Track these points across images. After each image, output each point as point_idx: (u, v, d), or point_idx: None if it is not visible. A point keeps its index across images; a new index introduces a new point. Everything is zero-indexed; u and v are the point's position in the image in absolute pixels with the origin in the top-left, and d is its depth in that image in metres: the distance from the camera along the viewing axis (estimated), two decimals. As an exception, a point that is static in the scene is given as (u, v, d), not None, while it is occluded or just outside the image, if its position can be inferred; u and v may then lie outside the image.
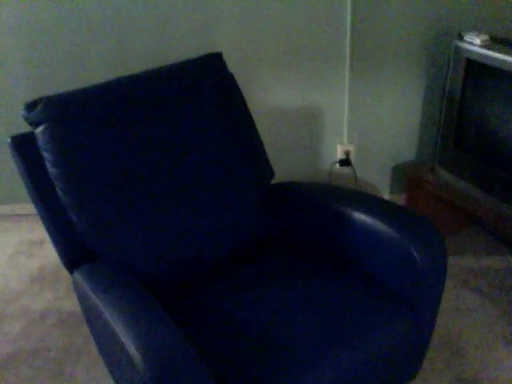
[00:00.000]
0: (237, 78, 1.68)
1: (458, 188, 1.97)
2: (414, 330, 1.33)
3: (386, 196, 2.45)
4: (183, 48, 2.17)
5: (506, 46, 1.70)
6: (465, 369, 1.65)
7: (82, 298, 1.37)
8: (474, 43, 1.76)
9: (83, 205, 1.39)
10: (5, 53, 2.23)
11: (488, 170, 1.85)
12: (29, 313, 1.99)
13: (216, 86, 1.60)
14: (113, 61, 2.20)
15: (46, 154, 1.40)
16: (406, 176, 2.24)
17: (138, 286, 1.26)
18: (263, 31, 2.15)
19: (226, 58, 1.64)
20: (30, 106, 1.40)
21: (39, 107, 1.39)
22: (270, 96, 2.26)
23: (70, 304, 2.00)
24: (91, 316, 1.36)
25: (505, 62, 1.65)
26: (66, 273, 1.44)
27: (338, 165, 2.36)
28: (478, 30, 1.83)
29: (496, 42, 1.75)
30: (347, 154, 2.33)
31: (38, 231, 2.39)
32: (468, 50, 1.78)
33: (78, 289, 1.38)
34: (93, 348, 1.78)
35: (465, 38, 1.81)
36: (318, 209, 1.54)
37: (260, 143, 1.70)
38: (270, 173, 1.71)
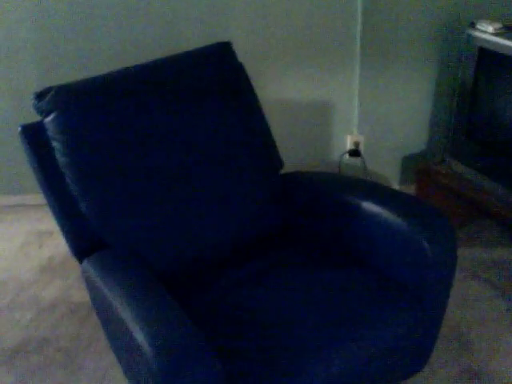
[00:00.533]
0: (246, 68, 1.67)
1: (469, 179, 1.94)
2: (423, 322, 1.32)
3: (396, 187, 2.44)
4: (192, 38, 2.16)
5: (520, 34, 1.68)
6: (473, 360, 1.64)
7: (92, 287, 1.38)
8: (487, 31, 1.74)
9: (92, 194, 1.40)
10: (16, 43, 2.23)
11: (500, 160, 1.82)
12: (39, 302, 2.00)
13: (225, 74, 1.59)
14: (122, 51, 2.20)
15: (55, 144, 1.40)
16: (415, 167, 2.22)
17: (147, 274, 1.26)
18: (273, 21, 2.13)
19: (235, 47, 1.63)
20: (40, 96, 1.40)
21: (49, 96, 1.39)
22: (279, 86, 2.25)
23: (80, 294, 2.01)
24: (100, 305, 1.37)
25: (518, 50, 1.63)
26: (75, 263, 1.45)
27: (347, 155, 2.35)
28: (490, 18, 1.80)
29: (509, 30, 1.71)
30: (357, 144, 2.31)
31: (48, 221, 2.40)
32: (481, 39, 1.76)
33: (87, 278, 1.38)
34: (102, 337, 1.79)
35: (477, 27, 1.78)
36: (326, 199, 1.53)
37: (269, 133, 1.69)
38: (280, 163, 1.70)
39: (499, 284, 1.93)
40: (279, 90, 2.25)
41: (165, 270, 1.42)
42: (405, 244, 1.31)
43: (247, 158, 1.57)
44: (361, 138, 2.31)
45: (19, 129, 1.41)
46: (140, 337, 1.03)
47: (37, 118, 1.42)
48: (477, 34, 1.77)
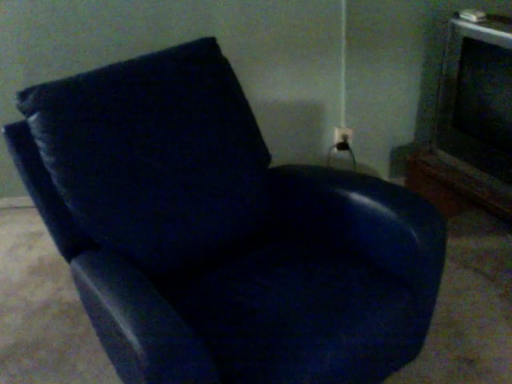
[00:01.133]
0: (232, 63, 1.66)
1: (458, 169, 1.95)
2: (415, 310, 1.33)
3: (385, 179, 2.44)
4: (177, 34, 2.15)
5: (503, 23, 1.68)
6: (466, 349, 1.65)
7: (81, 287, 1.37)
8: (471, 21, 1.74)
9: (79, 193, 1.38)
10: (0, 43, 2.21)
11: (488, 149, 1.83)
12: (29, 304, 1.98)
13: (210, 70, 1.58)
14: (107, 48, 2.18)
15: (39, 143, 1.38)
16: (404, 158, 2.23)
17: (136, 272, 1.26)
18: (258, 17, 2.12)
19: (222, 44, 1.62)
20: (23, 95, 1.39)
21: (32, 96, 1.38)
22: (265, 81, 2.24)
23: (71, 295, 2.00)
24: (90, 304, 1.36)
25: (502, 38, 1.63)
26: (66, 264, 1.44)
27: (335, 149, 2.35)
28: (474, 8, 1.81)
29: (493, 20, 1.72)
30: (345, 137, 2.31)
31: (37, 223, 2.38)
32: (465, 28, 1.76)
33: (76, 277, 1.37)
34: (94, 338, 1.78)
35: (461, 16, 1.78)
36: (315, 191, 1.53)
37: (256, 127, 1.69)
38: (267, 157, 1.70)
39: (490, 273, 1.94)
40: (265, 84, 2.25)
41: (154, 267, 1.41)
42: (394, 234, 1.31)
43: (234, 153, 1.56)
44: (349, 131, 2.31)
45: (2, 129, 1.39)
46: (130, 334, 1.02)
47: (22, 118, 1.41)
48: (460, 23, 1.78)
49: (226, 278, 1.43)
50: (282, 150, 2.28)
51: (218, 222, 1.51)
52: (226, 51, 1.65)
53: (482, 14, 1.72)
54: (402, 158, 2.32)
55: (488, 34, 1.67)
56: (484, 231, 2.16)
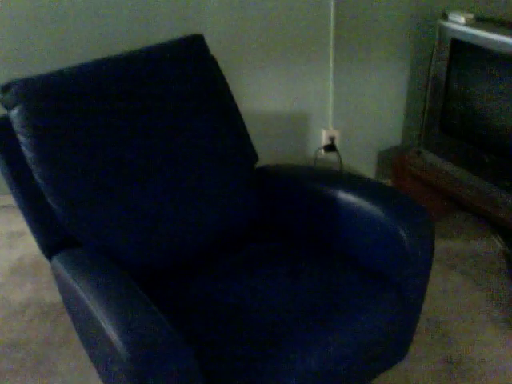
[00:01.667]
0: (219, 63, 1.64)
1: (445, 171, 1.95)
2: (402, 310, 1.31)
3: (372, 182, 2.43)
4: (164, 31, 2.12)
5: (492, 25, 1.68)
6: (453, 350, 1.64)
7: (61, 285, 1.33)
8: (459, 22, 1.74)
9: (61, 190, 1.35)
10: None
11: (475, 151, 1.83)
12: (9, 305, 1.93)
13: (197, 67, 1.56)
14: (94, 43, 2.14)
15: (21, 138, 1.35)
16: (391, 160, 2.22)
17: (118, 270, 1.23)
18: (247, 17, 2.11)
19: (209, 42, 1.60)
20: (5, 89, 1.35)
21: (14, 89, 1.34)
22: (253, 81, 2.23)
23: (51, 295, 1.96)
24: (71, 303, 1.32)
25: (490, 40, 1.64)
26: (47, 264, 1.40)
27: (322, 150, 2.34)
28: (462, 9, 1.81)
29: (481, 21, 1.73)
30: (332, 139, 2.30)
31: (18, 223, 2.34)
32: (453, 30, 1.76)
33: (56, 275, 1.34)
34: (75, 339, 1.74)
35: (449, 18, 1.78)
36: (302, 190, 1.51)
37: (243, 127, 1.67)
38: (254, 157, 1.68)
39: (477, 276, 1.94)
40: (253, 84, 2.23)
41: (140, 267, 1.38)
42: (382, 233, 1.30)
43: (221, 152, 1.54)
44: (336, 133, 2.30)
45: (-17, 124, 1.36)
46: (111, 333, 0.99)
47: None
48: (449, 25, 1.78)
49: (212, 277, 1.40)
50: (269, 151, 2.26)
51: (205, 221, 1.48)
52: (213, 50, 1.63)
53: (470, 16, 1.72)
54: (389, 160, 2.32)
55: (477, 36, 1.67)
56: (471, 233, 2.16)
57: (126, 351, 0.95)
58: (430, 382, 1.55)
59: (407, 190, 2.12)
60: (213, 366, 1.08)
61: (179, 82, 1.51)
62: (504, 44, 1.60)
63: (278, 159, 2.28)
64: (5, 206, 2.47)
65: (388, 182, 2.36)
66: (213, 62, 1.64)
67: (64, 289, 1.32)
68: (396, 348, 1.38)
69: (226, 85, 1.66)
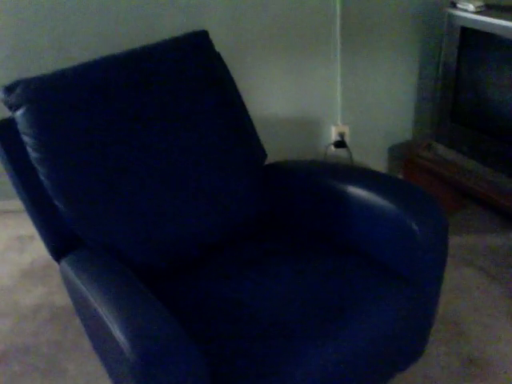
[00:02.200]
0: (226, 59, 1.62)
1: (457, 163, 1.91)
2: (418, 308, 1.28)
3: (384, 177, 2.39)
4: (169, 29, 2.10)
5: (501, 12, 1.64)
6: (470, 349, 1.60)
7: (70, 287, 1.32)
8: (468, 10, 1.70)
9: (67, 190, 1.34)
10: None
11: (487, 142, 1.79)
12: (20, 308, 1.93)
13: (202, 64, 1.54)
14: (96, 42, 2.13)
15: (26, 139, 1.34)
16: (402, 154, 2.19)
17: (125, 271, 1.21)
18: (251, 10, 2.09)
19: (213, 38, 1.58)
20: (9, 89, 1.35)
21: (18, 90, 1.34)
22: (260, 79, 2.20)
23: (62, 298, 1.95)
24: (80, 305, 1.31)
25: (501, 27, 1.60)
26: (57, 267, 1.39)
27: (332, 147, 2.30)
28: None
29: (490, 8, 1.68)
30: (342, 135, 2.27)
31: (28, 227, 2.31)
32: (462, 18, 1.72)
33: (65, 278, 1.32)
34: (86, 342, 1.73)
35: (458, 5, 1.75)
36: (311, 186, 1.49)
37: (250, 123, 1.65)
38: (262, 154, 1.66)
39: (492, 271, 1.89)
40: (259, 81, 2.21)
41: (145, 265, 1.36)
42: (394, 228, 1.27)
43: (229, 149, 1.52)
44: (346, 129, 2.27)
45: (-13, 126, 1.35)
46: (118, 334, 0.97)
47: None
48: (458, 13, 1.74)
49: (218, 274, 1.38)
50: (278, 148, 2.22)
51: (211, 221, 1.46)
52: (218, 46, 1.60)
53: (479, 3, 1.69)
54: (400, 155, 2.28)
55: (486, 23, 1.64)
56: (486, 228, 2.12)
57: (133, 353, 0.92)
58: (448, 381, 1.51)
59: (418, 184, 2.07)
60: (221, 366, 1.06)
61: (184, 79, 1.49)
62: (516, 31, 1.57)
63: (286, 157, 2.25)
64: (16, 211, 2.47)
65: (399, 176, 2.32)
66: (218, 58, 1.62)
67: (73, 291, 1.31)
68: (412, 346, 1.34)
69: (232, 81, 1.64)
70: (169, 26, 2.10)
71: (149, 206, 1.38)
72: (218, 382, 1.03)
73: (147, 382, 0.92)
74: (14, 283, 2.06)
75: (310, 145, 2.34)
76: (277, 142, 2.28)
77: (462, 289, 1.83)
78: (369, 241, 1.35)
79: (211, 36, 1.58)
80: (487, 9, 1.69)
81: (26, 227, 2.37)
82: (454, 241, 2.04)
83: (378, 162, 2.37)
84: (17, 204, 2.37)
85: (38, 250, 2.23)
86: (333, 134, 2.29)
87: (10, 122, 1.35)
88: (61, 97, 1.35)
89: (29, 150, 1.34)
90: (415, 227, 1.22)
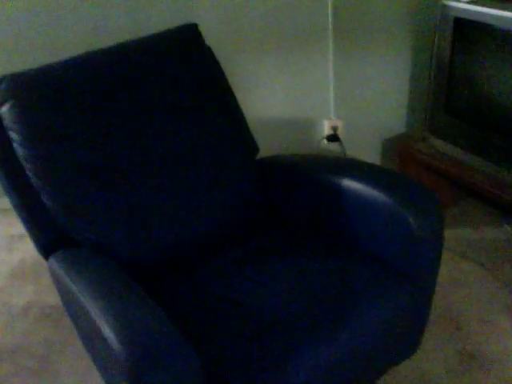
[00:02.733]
0: (217, 53, 1.59)
1: (452, 155, 1.89)
2: (413, 302, 1.26)
3: (378, 172, 2.37)
4: (158, 22, 2.06)
5: (496, 1, 1.62)
6: (466, 342, 1.59)
7: (59, 285, 1.29)
8: (462, 0, 1.68)
9: (55, 187, 1.31)
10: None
11: (482, 133, 1.77)
12: (10, 308, 1.90)
13: (193, 57, 1.51)
14: (84, 35, 2.08)
15: (12, 135, 1.31)
16: (396, 148, 2.16)
17: (115, 268, 1.18)
18: (242, 6, 2.05)
19: (205, 33, 1.55)
20: (-6, 84, 1.31)
21: (3, 85, 1.31)
22: (251, 73, 2.17)
23: (53, 297, 1.91)
24: (69, 303, 1.28)
25: (495, 17, 1.58)
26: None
27: (325, 141, 2.28)
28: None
29: (484, -1, 1.67)
30: (335, 129, 2.25)
31: (18, 226, 2.28)
32: (455, 8, 1.70)
33: (54, 275, 1.29)
34: (77, 342, 1.69)
35: (451, -4, 1.73)
36: (305, 180, 1.46)
37: (242, 117, 1.62)
38: (255, 148, 1.63)
39: (488, 264, 1.88)
40: (251, 76, 2.18)
41: (139, 263, 1.33)
42: (390, 220, 1.25)
43: (220, 144, 1.50)
44: (339, 123, 2.24)
45: (-27, 121, 1.31)
46: (107, 331, 0.95)
47: None
48: (451, 3, 1.72)
49: (215, 273, 1.35)
50: (270, 142, 2.19)
51: (206, 215, 1.44)
52: (209, 40, 1.58)
53: (473, -7, 1.67)
54: (394, 148, 2.26)
55: (480, 13, 1.61)
56: (481, 221, 2.10)
57: (122, 351, 0.90)
58: (445, 375, 1.49)
59: (413, 177, 2.06)
60: (218, 365, 1.03)
61: (174, 73, 1.47)
62: (510, 20, 1.54)
63: (279, 151, 2.23)
64: (4, 210, 2.43)
65: (393, 170, 2.30)
66: (209, 52, 1.59)
67: (61, 289, 1.28)
68: (408, 340, 1.32)
69: (222, 75, 1.61)
70: (158, 19, 2.06)
71: (142, 203, 1.35)
72: (213, 381, 1.00)
73: (138, 383, 0.89)
74: (3, 282, 2.03)
75: (302, 139, 2.32)
76: (268, 136, 2.24)
77: (459, 282, 1.81)
78: (364, 234, 1.33)
79: (202, 30, 1.55)
80: (481, -1, 1.67)
81: (15, 226, 2.34)
82: (449, 234, 2.03)
83: (371, 156, 2.35)
84: (6, 202, 2.34)
85: (28, 249, 2.19)
86: (326, 128, 2.27)
87: (-4, 118, 1.32)
88: (48, 92, 1.32)
89: (15, 146, 1.31)
90: (410, 220, 1.20)
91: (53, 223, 1.33)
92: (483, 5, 1.61)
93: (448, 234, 2.02)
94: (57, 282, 1.30)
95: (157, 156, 1.40)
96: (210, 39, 1.58)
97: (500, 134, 1.71)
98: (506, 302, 1.71)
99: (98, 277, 1.12)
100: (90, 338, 1.21)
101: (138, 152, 1.38)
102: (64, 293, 1.26)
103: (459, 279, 1.83)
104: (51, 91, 1.32)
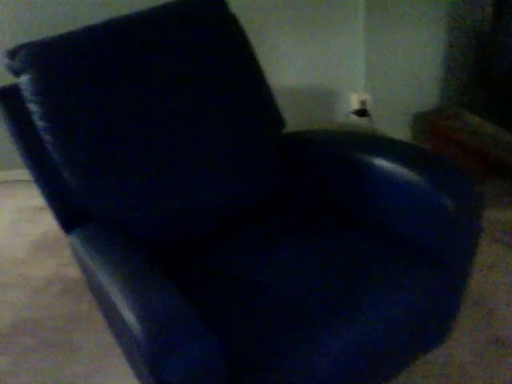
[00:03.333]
0: (242, 21, 1.52)
1: (486, 132, 1.80)
2: (445, 289, 1.20)
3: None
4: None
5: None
6: (497, 329, 1.52)
7: (80, 262, 1.27)
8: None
9: (73, 159, 1.27)
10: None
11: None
12: (32, 281, 1.90)
13: (216, 26, 1.45)
14: (105, 4, 2.02)
15: (31, 106, 1.27)
16: (427, 123, 2.07)
17: (135, 247, 1.15)
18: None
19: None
20: (12, 54, 1.28)
21: (22, 54, 1.27)
22: (277, 40, 2.09)
23: (75, 271, 1.91)
24: (90, 280, 1.25)
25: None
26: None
27: (353, 115, 2.20)
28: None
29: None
30: (363, 103, 2.16)
31: (40, 197, 2.28)
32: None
33: (75, 251, 1.27)
34: (99, 315, 1.68)
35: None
36: (332, 157, 1.39)
37: (268, 90, 1.55)
38: (281, 123, 1.56)
39: (521, 246, 1.80)
40: (277, 43, 2.09)
41: (151, 239, 1.30)
42: (423, 202, 1.17)
43: (245, 118, 1.44)
44: (367, 96, 2.16)
45: (-9, 92, 1.28)
46: (128, 315, 0.91)
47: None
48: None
49: (230, 250, 1.31)
50: (295, 117, 2.12)
51: (224, 194, 1.39)
52: (233, 9, 1.50)
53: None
54: (425, 124, 2.17)
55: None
56: (511, 201, 2.02)
57: (143, 336, 0.86)
58: (474, 364, 1.44)
59: (444, 153, 1.97)
60: (237, 352, 1.00)
61: (197, 42, 1.40)
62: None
63: (304, 127, 2.16)
64: (25, 181, 2.42)
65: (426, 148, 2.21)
66: (234, 21, 1.51)
67: (82, 265, 1.26)
68: (437, 329, 1.27)
69: (248, 45, 1.53)
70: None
71: (159, 178, 1.31)
72: (236, 366, 0.97)
73: (158, 366, 0.86)
74: (25, 255, 2.02)
75: (328, 113, 2.24)
76: (293, 110, 2.17)
77: (489, 266, 1.74)
78: (394, 216, 1.26)
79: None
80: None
81: (37, 198, 2.32)
82: (480, 215, 1.95)
83: (401, 131, 2.26)
84: (27, 173, 2.33)
85: (50, 221, 2.18)
86: (353, 102, 2.18)
87: (15, 89, 1.28)
88: (67, 61, 1.27)
89: (35, 118, 1.27)
90: (447, 202, 1.12)
91: (73, 198, 1.30)
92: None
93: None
94: (78, 258, 1.27)
95: (174, 129, 1.34)
96: (233, 8, 1.50)
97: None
98: (539, 286, 1.64)
99: (117, 258, 1.09)
100: (111, 317, 1.18)
101: (156, 124, 1.33)
102: (85, 270, 1.24)
103: (489, 263, 1.76)
104: (70, 61, 1.28)
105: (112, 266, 1.05)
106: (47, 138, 1.27)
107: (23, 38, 2.06)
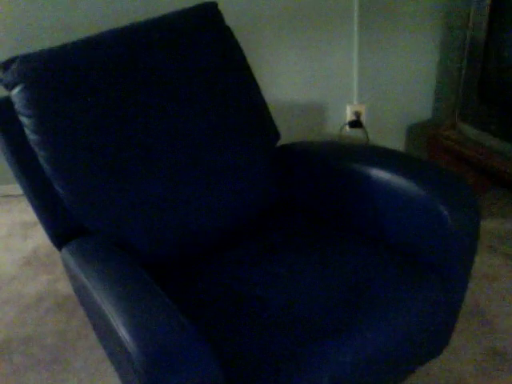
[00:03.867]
0: (236, 33, 1.52)
1: (484, 144, 1.79)
2: (444, 299, 1.18)
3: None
4: (176, 2, 1.99)
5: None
6: (496, 340, 1.51)
7: (72, 277, 1.24)
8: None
9: (67, 174, 1.25)
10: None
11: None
12: (23, 297, 1.86)
13: (211, 38, 1.43)
14: (98, 15, 2.01)
15: (24, 120, 1.25)
16: (424, 134, 2.07)
17: (130, 261, 1.12)
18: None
19: (223, 11, 1.47)
20: (4, 66, 1.26)
21: (14, 66, 1.25)
22: (273, 56, 2.09)
23: (66, 286, 1.87)
24: (82, 296, 1.22)
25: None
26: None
27: (347, 127, 2.19)
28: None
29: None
30: (358, 114, 2.16)
31: (31, 212, 2.25)
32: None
33: (66, 267, 1.24)
34: (90, 333, 1.65)
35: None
36: (328, 168, 1.38)
37: (263, 102, 1.54)
38: (276, 135, 1.55)
39: (518, 257, 1.79)
40: (272, 57, 2.09)
41: (152, 254, 1.28)
42: (420, 213, 1.16)
43: (240, 130, 1.42)
44: (362, 108, 2.16)
45: (-17, 105, 1.26)
46: (122, 332, 0.89)
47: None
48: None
49: (232, 265, 1.29)
50: (290, 128, 2.13)
51: (223, 204, 1.37)
52: (228, 20, 1.50)
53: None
54: (419, 135, 2.17)
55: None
56: (509, 213, 2.01)
57: (138, 354, 0.84)
58: (473, 375, 1.42)
59: (442, 165, 1.97)
60: (235, 366, 0.97)
61: (192, 54, 1.39)
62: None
63: (299, 138, 2.16)
64: (18, 196, 2.39)
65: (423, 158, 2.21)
66: (229, 32, 1.51)
67: (74, 281, 1.23)
68: (436, 340, 1.25)
69: (243, 57, 1.53)
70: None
71: (157, 194, 1.29)
72: (233, 381, 0.94)
73: (154, 384, 0.83)
74: (16, 271, 1.99)
75: (323, 125, 2.23)
76: (288, 122, 2.17)
77: (487, 277, 1.73)
78: (391, 227, 1.25)
79: (221, 10, 1.47)
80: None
81: (28, 213, 2.30)
82: (476, 225, 1.94)
83: (396, 143, 2.26)
84: (19, 188, 2.30)
85: (42, 236, 2.15)
86: (348, 114, 2.18)
87: (7, 102, 1.26)
88: (60, 74, 1.25)
89: (27, 131, 1.25)
90: (444, 211, 1.12)
91: (65, 213, 1.27)
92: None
93: (476, 225, 1.94)
94: (70, 274, 1.24)
95: (171, 141, 1.33)
96: (227, 20, 1.50)
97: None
98: (538, 298, 1.63)
99: (112, 271, 1.06)
100: (104, 333, 1.15)
101: (152, 137, 1.31)
102: (77, 286, 1.21)
103: (487, 273, 1.74)
104: (63, 73, 1.26)
105: (106, 281, 1.02)
106: (39, 151, 1.25)
107: (15, 51, 2.05)
